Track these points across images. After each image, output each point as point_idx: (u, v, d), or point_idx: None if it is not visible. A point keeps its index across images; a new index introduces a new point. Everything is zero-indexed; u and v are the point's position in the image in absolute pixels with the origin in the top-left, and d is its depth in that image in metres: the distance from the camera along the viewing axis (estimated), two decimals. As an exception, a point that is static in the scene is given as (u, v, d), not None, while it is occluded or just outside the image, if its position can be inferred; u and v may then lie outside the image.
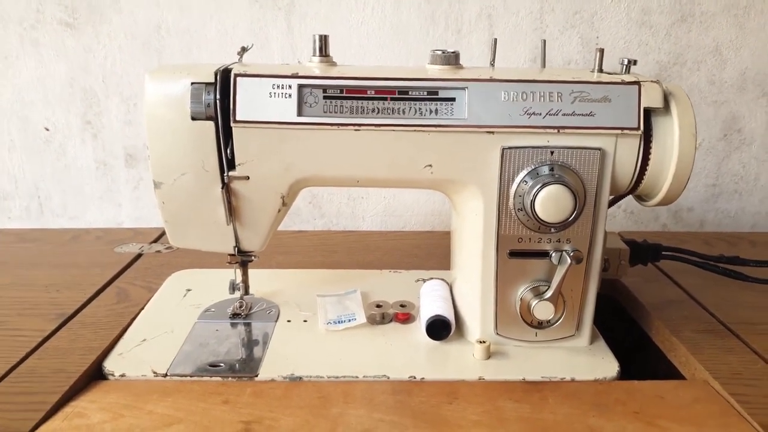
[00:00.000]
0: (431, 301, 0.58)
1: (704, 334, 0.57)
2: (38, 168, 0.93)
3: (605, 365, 0.52)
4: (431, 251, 0.80)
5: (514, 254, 0.52)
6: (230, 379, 0.50)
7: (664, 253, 0.63)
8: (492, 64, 0.57)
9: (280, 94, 0.49)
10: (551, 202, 0.48)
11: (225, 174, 0.51)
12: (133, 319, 0.59)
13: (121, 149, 0.92)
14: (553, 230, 0.51)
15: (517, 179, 0.50)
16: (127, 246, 0.79)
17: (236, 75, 0.49)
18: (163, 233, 0.83)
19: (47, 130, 0.91)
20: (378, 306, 0.61)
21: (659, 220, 0.97)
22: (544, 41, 0.59)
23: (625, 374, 0.52)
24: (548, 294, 0.51)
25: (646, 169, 0.50)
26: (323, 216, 0.96)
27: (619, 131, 0.49)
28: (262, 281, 0.65)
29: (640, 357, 0.62)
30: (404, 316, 0.59)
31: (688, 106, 0.50)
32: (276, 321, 0.59)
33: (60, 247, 0.79)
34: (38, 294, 0.64)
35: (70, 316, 0.59)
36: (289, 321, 0.59)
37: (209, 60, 0.88)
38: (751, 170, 0.94)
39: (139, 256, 0.76)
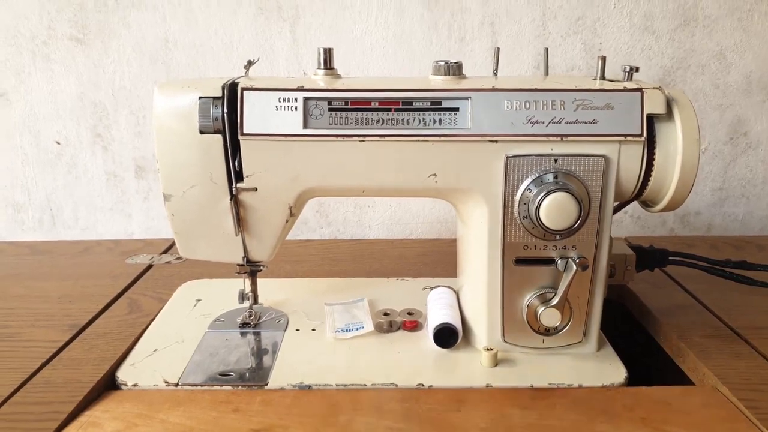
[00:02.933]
0: (438, 309, 0.58)
1: (712, 339, 0.57)
2: (50, 181, 0.94)
3: (613, 371, 0.52)
4: (438, 259, 0.81)
5: (520, 261, 0.52)
6: (240, 388, 0.50)
7: (670, 258, 0.63)
8: (495, 73, 0.58)
9: (286, 107, 0.50)
10: (556, 209, 0.49)
11: (233, 186, 0.52)
12: (145, 329, 0.60)
13: (131, 161, 0.94)
14: (558, 237, 0.51)
15: (522, 187, 0.50)
16: (138, 257, 0.80)
17: (243, 89, 0.50)
18: (173, 244, 0.84)
19: (58, 143, 0.93)
20: (385, 314, 0.62)
21: (666, 225, 0.97)
22: (547, 49, 0.60)
23: (632, 380, 0.52)
24: (555, 301, 0.52)
25: (650, 176, 0.51)
26: (330, 225, 0.97)
27: (623, 138, 0.49)
28: (271, 290, 0.66)
29: (647, 363, 0.62)
30: (412, 324, 0.60)
31: (691, 111, 0.50)
32: (285, 330, 0.60)
33: (72, 258, 0.80)
34: (51, 305, 0.65)
35: (83, 327, 0.59)
36: (297, 330, 0.60)
37: (216, 72, 0.89)
38: (758, 174, 0.94)
39: (149, 267, 0.77)
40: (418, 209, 0.96)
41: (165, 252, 0.83)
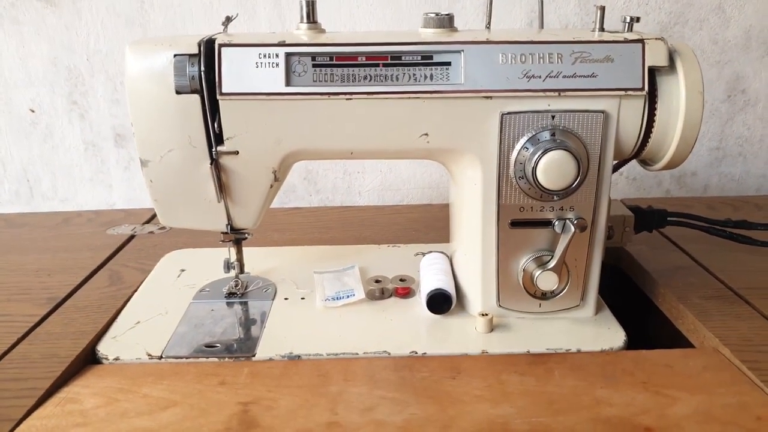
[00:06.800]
0: (431, 275, 0.56)
1: (712, 300, 0.56)
2: (26, 151, 0.91)
3: (611, 335, 0.51)
4: (430, 224, 0.79)
5: (515, 224, 0.50)
6: (227, 359, 0.48)
7: (669, 218, 0.61)
8: (488, 27, 0.55)
9: (267, 64, 0.47)
10: (553, 168, 0.46)
11: (213, 149, 0.49)
12: (127, 301, 0.57)
13: (109, 129, 0.90)
14: (555, 198, 0.49)
15: (518, 146, 0.48)
16: (120, 228, 0.77)
17: (220, 45, 0.47)
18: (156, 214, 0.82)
19: (32, 111, 0.89)
20: (377, 281, 0.60)
21: (662, 186, 0.96)
22: (542, 1, 0.56)
23: (632, 344, 0.50)
24: (552, 264, 0.50)
25: (651, 131, 0.48)
26: (319, 192, 0.94)
27: (623, 92, 0.47)
28: (258, 259, 0.64)
29: (647, 326, 0.61)
30: (404, 290, 0.58)
31: (695, 63, 0.47)
32: (273, 299, 0.58)
33: (50, 230, 0.77)
34: (28, 279, 0.62)
35: (61, 301, 0.57)
36: (286, 299, 0.58)
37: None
38: (756, 132, 0.92)
39: (131, 237, 0.74)
40: (409, 175, 0.93)
41: (148, 222, 0.80)
